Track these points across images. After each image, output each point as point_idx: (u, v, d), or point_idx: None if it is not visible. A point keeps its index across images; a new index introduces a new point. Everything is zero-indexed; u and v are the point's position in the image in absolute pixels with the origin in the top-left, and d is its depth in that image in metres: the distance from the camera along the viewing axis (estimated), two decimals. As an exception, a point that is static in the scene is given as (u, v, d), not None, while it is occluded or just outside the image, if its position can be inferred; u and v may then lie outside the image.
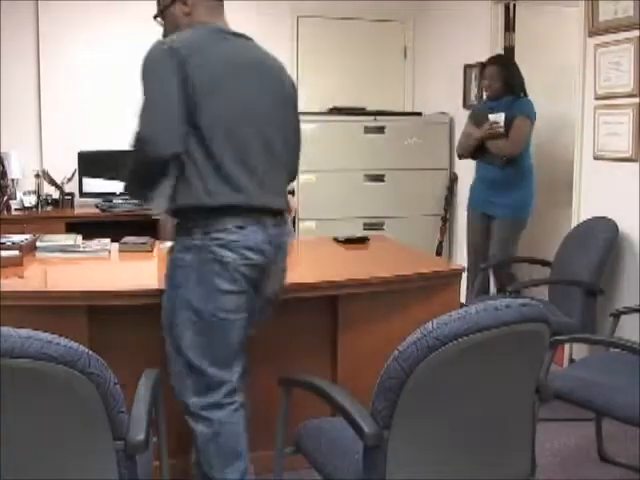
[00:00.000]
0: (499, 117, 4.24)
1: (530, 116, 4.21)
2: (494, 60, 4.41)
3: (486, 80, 4.36)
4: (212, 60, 2.13)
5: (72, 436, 1.53)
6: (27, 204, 4.91)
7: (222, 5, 2.32)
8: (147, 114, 2.13)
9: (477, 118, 4.41)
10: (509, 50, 4.85)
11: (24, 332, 1.45)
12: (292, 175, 2.49)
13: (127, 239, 3.35)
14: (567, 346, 3.95)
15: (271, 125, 2.26)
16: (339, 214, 5.14)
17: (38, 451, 1.51)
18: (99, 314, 2.51)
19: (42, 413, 1.49)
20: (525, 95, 4.31)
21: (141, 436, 1.59)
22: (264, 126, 2.24)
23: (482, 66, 4.46)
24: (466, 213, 4.65)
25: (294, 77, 5.73)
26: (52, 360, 1.44)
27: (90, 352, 1.51)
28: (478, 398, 1.70)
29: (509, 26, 4.83)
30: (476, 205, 4.53)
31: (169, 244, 3.38)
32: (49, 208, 5.00)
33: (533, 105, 4.25)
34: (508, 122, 4.20)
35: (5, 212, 4.78)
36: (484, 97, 4.58)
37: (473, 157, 4.49)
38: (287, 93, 2.37)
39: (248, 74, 2.21)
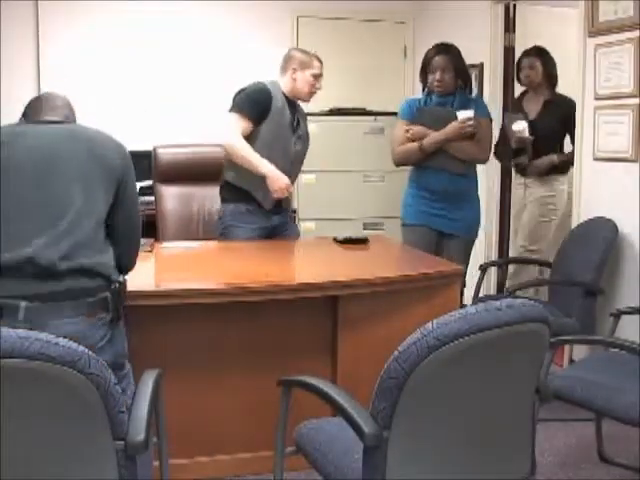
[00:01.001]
0: (469, 114, 3.76)
1: (491, 118, 3.96)
2: (443, 49, 3.87)
3: (435, 73, 3.81)
4: None
5: (72, 436, 1.53)
6: (27, 204, 4.90)
7: (52, 101, 2.33)
8: None
9: (433, 116, 3.86)
10: (509, 50, 4.85)
11: (23, 332, 1.45)
12: (121, 255, 2.24)
13: (127, 239, 3.34)
14: (567, 346, 3.95)
15: (56, 191, 2.07)
16: (339, 214, 5.14)
17: (38, 451, 1.51)
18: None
19: (42, 413, 1.49)
20: (471, 92, 4.00)
21: (141, 436, 1.59)
22: (42, 190, 2.05)
23: (426, 58, 3.91)
24: (401, 230, 4.03)
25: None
26: (51, 360, 1.44)
27: (90, 352, 1.51)
28: (478, 398, 1.70)
29: (509, 26, 4.84)
30: (417, 219, 3.89)
31: (169, 244, 3.39)
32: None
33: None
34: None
35: (5, 212, 4.77)
36: (425, 92, 3.98)
37: (418, 164, 3.90)
38: (97, 164, 2.18)
39: (26, 144, 2.11)
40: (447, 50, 3.86)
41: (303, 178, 5.13)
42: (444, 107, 3.84)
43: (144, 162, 4.94)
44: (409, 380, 1.59)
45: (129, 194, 2.26)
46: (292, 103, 3.75)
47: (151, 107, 5.18)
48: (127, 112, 5.16)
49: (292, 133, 3.71)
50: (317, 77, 3.77)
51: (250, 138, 3.57)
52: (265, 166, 3.52)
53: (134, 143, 4.96)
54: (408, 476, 1.68)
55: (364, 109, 5.36)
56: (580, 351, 3.87)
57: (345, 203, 5.20)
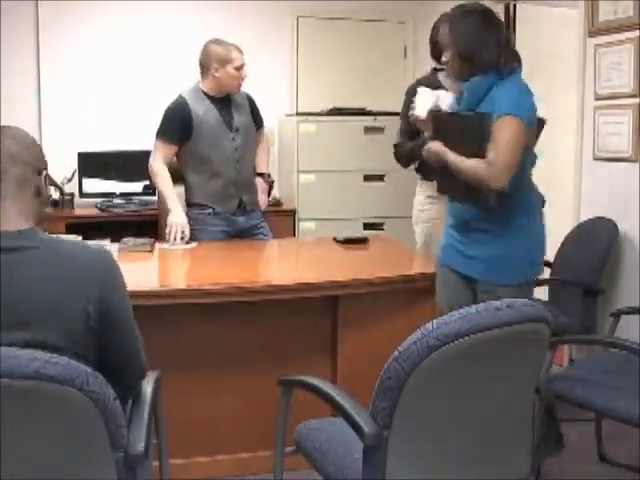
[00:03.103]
0: (442, 99, 2.77)
1: (518, 113, 2.49)
2: (445, 18, 2.94)
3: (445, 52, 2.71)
4: None
5: (71, 451, 1.52)
6: (27, 204, 4.90)
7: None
8: None
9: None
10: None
11: (22, 352, 1.44)
12: None
13: (127, 239, 3.35)
14: (567, 346, 3.95)
15: None
16: (339, 214, 5.13)
17: (37, 465, 1.50)
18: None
19: (41, 430, 1.48)
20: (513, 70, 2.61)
21: (141, 447, 1.59)
22: None
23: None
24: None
25: (294, 77, 5.71)
26: (50, 380, 1.43)
27: (88, 370, 1.50)
28: (478, 398, 1.70)
29: (509, 26, 4.83)
30: (441, 257, 2.83)
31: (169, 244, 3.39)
32: (49, 208, 4.99)
33: (527, 92, 2.60)
34: (485, 123, 2.51)
35: (5, 212, 4.76)
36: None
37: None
38: None
39: None
40: (448, 18, 2.76)
41: (302, 178, 5.12)
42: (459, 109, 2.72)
43: (146, 162, 4.97)
44: (409, 380, 1.59)
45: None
46: (220, 99, 3.63)
47: (152, 107, 5.17)
48: (128, 112, 5.15)
49: (228, 130, 3.63)
50: (240, 68, 3.59)
51: (183, 158, 3.60)
52: (170, 203, 3.52)
53: (135, 143, 5.00)
54: (408, 476, 1.68)
55: (364, 109, 5.35)
56: (580, 351, 3.87)
57: (345, 203, 5.20)
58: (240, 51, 3.62)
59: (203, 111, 3.58)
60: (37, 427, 1.48)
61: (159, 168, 3.59)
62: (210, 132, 3.58)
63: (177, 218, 3.49)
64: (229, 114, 3.65)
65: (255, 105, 3.83)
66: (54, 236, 1.69)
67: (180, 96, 3.63)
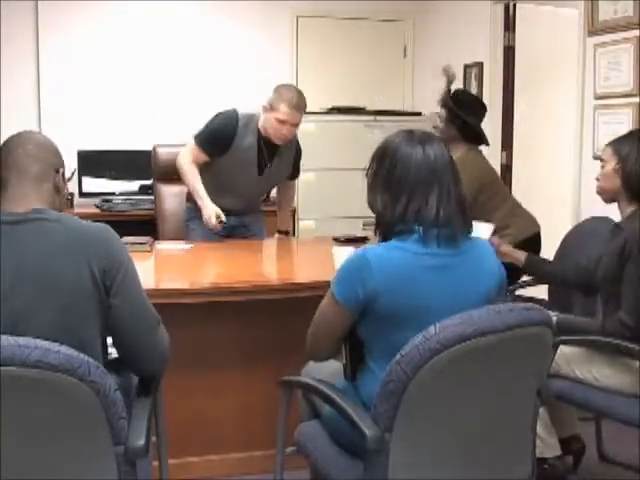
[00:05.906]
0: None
1: None
2: None
3: None
4: None
5: (72, 442, 1.53)
6: (27, 204, 4.89)
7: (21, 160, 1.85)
8: None
9: None
10: (509, 50, 4.85)
11: (23, 340, 1.45)
12: None
13: (126, 239, 3.32)
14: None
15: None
16: (339, 213, 5.14)
17: (37, 456, 1.51)
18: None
19: (42, 420, 1.48)
20: None
21: (141, 441, 1.59)
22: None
23: None
24: None
25: (294, 77, 5.72)
26: (51, 368, 1.43)
27: (90, 360, 1.50)
28: (480, 401, 1.69)
29: (509, 26, 4.84)
30: None
31: (168, 244, 3.38)
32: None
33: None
34: None
35: (5, 212, 4.76)
36: None
37: None
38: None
39: None
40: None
41: (302, 177, 5.12)
42: None
43: (144, 161, 4.97)
44: (411, 383, 1.59)
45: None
46: (270, 142, 3.48)
47: (151, 106, 5.18)
48: (127, 111, 5.16)
49: (257, 174, 3.55)
50: (282, 122, 3.37)
51: (205, 167, 3.54)
52: (200, 198, 3.49)
53: (134, 142, 5.01)
54: (410, 478, 1.68)
55: (364, 108, 5.36)
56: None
57: (345, 202, 5.20)
58: (294, 108, 3.36)
59: (245, 144, 3.48)
60: (37, 417, 1.48)
61: (189, 168, 3.52)
62: (239, 168, 3.51)
63: (210, 209, 3.46)
64: (268, 160, 3.56)
65: (300, 159, 3.75)
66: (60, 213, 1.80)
67: (235, 115, 3.48)
